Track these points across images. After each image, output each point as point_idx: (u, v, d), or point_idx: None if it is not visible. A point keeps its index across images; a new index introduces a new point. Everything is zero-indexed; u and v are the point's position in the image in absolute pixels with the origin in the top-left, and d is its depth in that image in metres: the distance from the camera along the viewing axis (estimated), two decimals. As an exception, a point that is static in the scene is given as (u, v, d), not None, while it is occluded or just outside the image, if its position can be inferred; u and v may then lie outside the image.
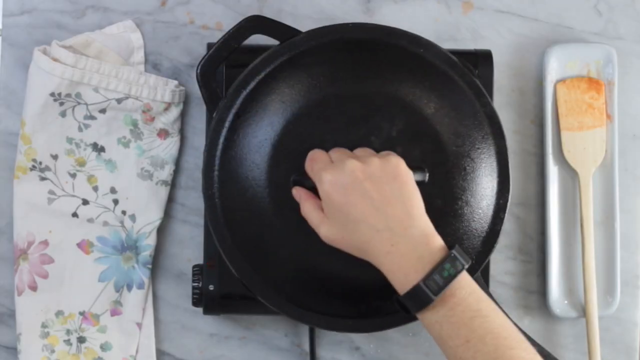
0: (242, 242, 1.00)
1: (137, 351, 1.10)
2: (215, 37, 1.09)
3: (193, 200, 1.11)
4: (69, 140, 1.08)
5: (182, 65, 1.11)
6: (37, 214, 1.08)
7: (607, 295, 1.10)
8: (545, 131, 1.10)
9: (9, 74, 1.11)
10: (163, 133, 1.09)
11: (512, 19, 1.12)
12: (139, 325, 1.10)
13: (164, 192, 1.10)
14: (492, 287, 1.10)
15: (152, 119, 1.08)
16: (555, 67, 1.11)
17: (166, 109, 1.08)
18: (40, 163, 1.08)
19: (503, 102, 1.12)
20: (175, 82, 1.09)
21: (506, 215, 1.00)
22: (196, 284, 1.06)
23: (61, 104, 1.07)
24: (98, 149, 1.09)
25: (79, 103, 1.07)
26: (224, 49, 1.01)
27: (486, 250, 1.00)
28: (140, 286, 1.09)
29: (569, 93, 1.10)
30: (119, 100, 1.07)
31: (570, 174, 1.11)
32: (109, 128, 1.08)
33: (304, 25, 1.07)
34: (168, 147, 1.09)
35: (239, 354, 1.12)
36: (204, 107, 1.09)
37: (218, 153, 0.99)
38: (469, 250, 1.00)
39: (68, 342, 1.09)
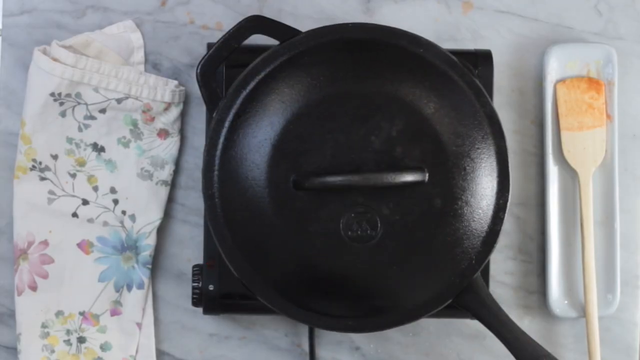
0: (242, 242, 1.00)
1: (137, 351, 1.10)
2: (215, 37, 1.09)
3: (193, 200, 1.11)
4: (69, 140, 1.08)
5: (182, 65, 1.11)
6: (37, 214, 1.08)
7: (607, 295, 1.10)
8: (545, 131, 1.10)
9: (9, 74, 1.11)
10: (163, 133, 1.09)
11: (512, 19, 1.12)
12: (139, 325, 1.10)
13: (164, 192, 1.10)
14: (492, 287, 1.10)
15: (152, 119, 1.08)
16: (555, 67, 1.11)
17: (166, 109, 1.08)
18: (40, 163, 1.08)
19: (503, 102, 1.12)
20: (175, 82, 1.09)
21: (506, 215, 1.00)
22: (196, 284, 1.06)
23: (61, 104, 1.07)
24: (98, 149, 1.09)
25: (78, 103, 1.07)
26: (224, 49, 1.01)
27: (486, 250, 1.00)
28: (140, 286, 1.09)
29: (569, 93, 1.10)
30: (118, 100, 1.07)
31: (570, 174, 1.11)
32: (109, 128, 1.08)
33: (304, 25, 1.07)
34: (168, 147, 1.09)
35: (239, 354, 1.12)
36: (204, 107, 1.09)
37: (218, 153, 0.99)
38: (469, 250, 1.00)
39: (68, 342, 1.09)
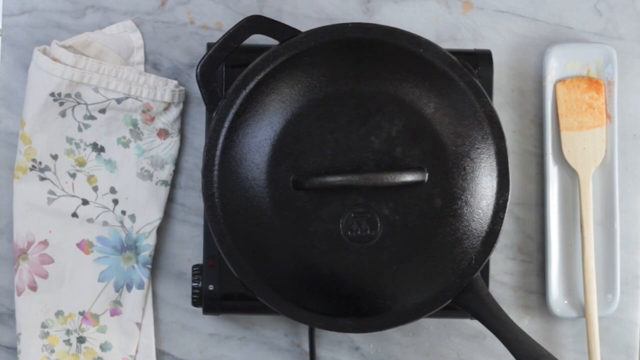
0: (242, 242, 1.00)
1: (136, 351, 1.10)
2: (215, 37, 1.09)
3: (193, 200, 1.11)
4: (69, 140, 1.08)
5: (182, 65, 1.11)
6: (37, 214, 1.08)
7: (607, 295, 1.10)
8: (545, 131, 1.10)
9: (9, 74, 1.11)
10: (163, 133, 1.09)
11: (512, 19, 1.12)
12: (139, 325, 1.10)
13: (163, 192, 1.10)
14: (492, 287, 1.11)
15: (152, 119, 1.08)
16: (555, 67, 1.11)
17: (166, 109, 1.08)
18: (40, 163, 1.08)
19: (503, 102, 1.12)
20: (175, 82, 1.09)
21: (506, 215, 1.00)
22: (196, 284, 1.06)
23: (61, 104, 1.07)
24: (98, 149, 1.09)
25: (78, 103, 1.07)
26: (224, 48, 1.01)
27: (486, 250, 1.00)
28: (140, 286, 1.09)
29: (568, 93, 1.10)
30: (118, 100, 1.07)
31: (570, 174, 1.11)
32: (109, 128, 1.09)
33: (304, 25, 1.07)
34: (168, 147, 1.09)
35: (239, 354, 1.12)
36: (203, 107, 1.09)
37: (218, 153, 0.99)
38: (469, 250, 1.00)
39: (68, 342, 1.09)
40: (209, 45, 1.04)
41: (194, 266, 1.07)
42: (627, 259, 1.12)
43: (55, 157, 1.08)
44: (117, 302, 1.10)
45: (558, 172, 1.11)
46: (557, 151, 1.11)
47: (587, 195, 1.10)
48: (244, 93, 1.00)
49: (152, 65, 1.11)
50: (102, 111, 1.08)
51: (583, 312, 1.10)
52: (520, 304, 1.12)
